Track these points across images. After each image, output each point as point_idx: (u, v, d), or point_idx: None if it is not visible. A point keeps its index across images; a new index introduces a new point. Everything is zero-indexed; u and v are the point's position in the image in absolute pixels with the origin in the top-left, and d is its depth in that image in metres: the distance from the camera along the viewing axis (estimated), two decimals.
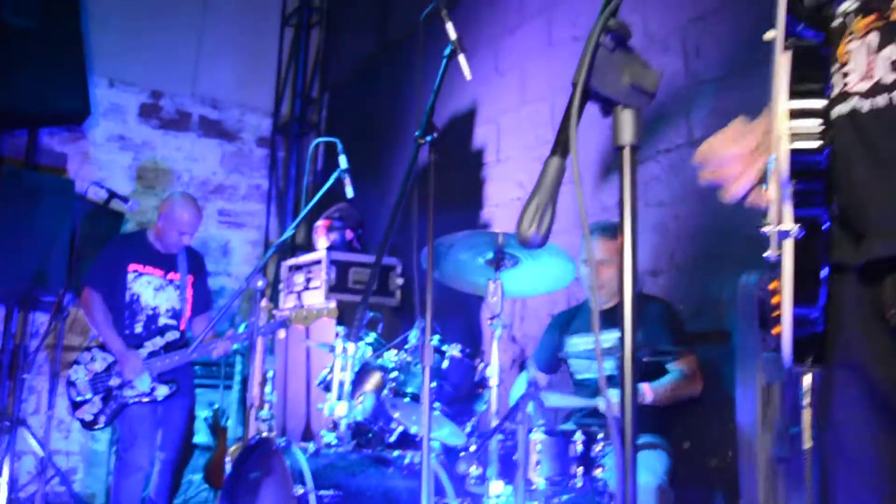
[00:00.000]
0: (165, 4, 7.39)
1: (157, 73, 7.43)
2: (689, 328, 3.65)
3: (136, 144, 7.35)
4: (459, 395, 3.24)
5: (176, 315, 5.13)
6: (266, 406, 4.13)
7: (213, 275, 7.04)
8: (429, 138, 2.77)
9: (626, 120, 1.01)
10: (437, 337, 3.36)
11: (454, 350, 3.27)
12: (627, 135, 1.01)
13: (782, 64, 1.20)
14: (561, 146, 0.99)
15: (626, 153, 1.01)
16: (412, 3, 6.37)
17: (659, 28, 4.12)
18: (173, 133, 7.50)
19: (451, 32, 3.06)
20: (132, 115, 7.38)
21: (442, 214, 5.13)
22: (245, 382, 5.92)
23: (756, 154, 1.38)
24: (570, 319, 3.95)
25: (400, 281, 5.51)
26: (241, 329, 4.76)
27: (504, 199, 5.12)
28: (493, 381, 3.02)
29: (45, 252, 6.01)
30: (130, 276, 5.07)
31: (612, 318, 3.30)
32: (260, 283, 4.09)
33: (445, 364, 3.24)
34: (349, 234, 5.64)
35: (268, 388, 4.15)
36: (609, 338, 3.30)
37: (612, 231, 3.62)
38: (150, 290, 5.10)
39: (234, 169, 7.75)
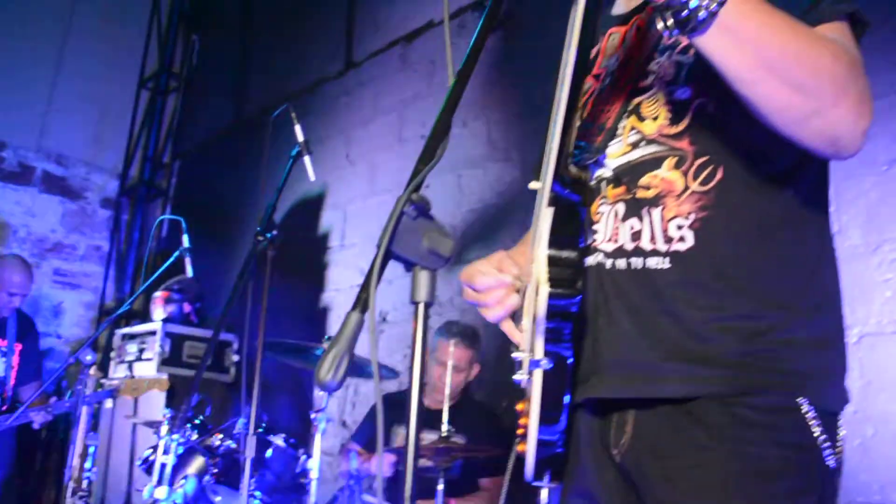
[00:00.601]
0: (18, 51, 7.23)
1: (1, 122, 7.22)
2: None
3: None
4: (281, 484, 3.27)
5: (1, 383, 4.95)
6: (84, 482, 4.02)
7: (42, 336, 6.78)
8: (268, 235, 2.84)
9: (423, 280, 1.14)
10: (262, 426, 3.39)
11: (278, 440, 3.31)
12: (423, 293, 1.14)
13: (545, 216, 1.39)
14: (361, 303, 1.10)
15: (421, 308, 1.15)
16: (270, 81, 6.51)
17: (500, 138, 4.37)
18: (13, 186, 7.27)
19: (299, 134, 3.19)
20: None
21: (284, 294, 5.18)
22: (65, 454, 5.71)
23: (513, 285, 1.56)
24: (398, 405, 4.03)
25: (235, 357, 5.49)
26: (67, 397, 4.63)
27: (345, 284, 5.22)
28: (314, 474, 3.08)
29: None
30: None
31: (436, 419, 3.45)
32: (89, 358, 4.02)
33: (269, 453, 3.27)
34: (187, 307, 5.59)
35: (88, 463, 4.05)
36: (430, 438, 3.43)
37: (469, 339, 3.79)
38: None
39: (75, 228, 7.56)
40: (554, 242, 1.40)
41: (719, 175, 1.46)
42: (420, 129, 4.93)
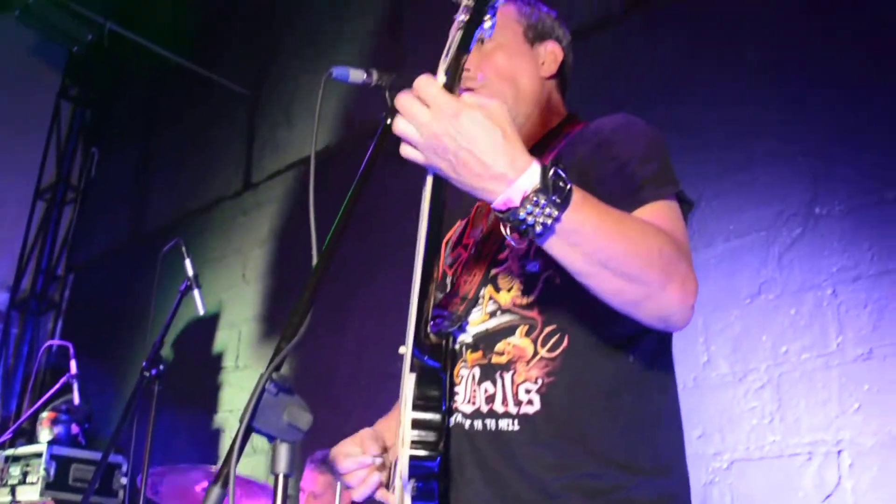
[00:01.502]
0: None
1: None
2: None
3: None
4: None
5: None
6: None
7: None
8: (154, 371, 2.87)
9: (283, 452, 1.21)
10: None
11: None
12: (282, 465, 1.22)
13: (408, 381, 1.49)
14: (222, 478, 1.16)
15: (280, 480, 1.22)
16: (168, 197, 6.54)
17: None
18: None
19: (189, 269, 3.24)
20: None
21: (176, 414, 5.13)
22: None
23: (374, 465, 1.67)
24: None
25: (124, 481, 5.35)
26: None
27: (238, 405, 5.19)
28: None
29: None
30: None
31: None
32: None
33: None
34: (75, 429, 5.45)
35: None
36: None
37: (326, 464, 3.81)
38: None
39: None
40: (418, 406, 1.49)
41: (565, 343, 1.58)
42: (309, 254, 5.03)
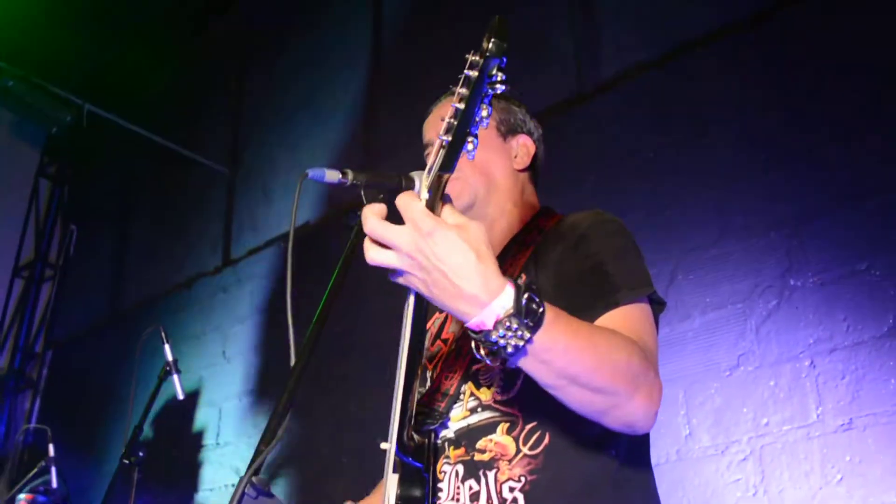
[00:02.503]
0: None
1: None
2: None
3: None
4: None
5: None
6: None
7: None
8: (135, 459, 2.84)
9: None
10: None
11: None
12: None
13: (391, 482, 1.48)
14: None
15: None
16: (147, 274, 6.53)
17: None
18: None
19: (168, 354, 3.23)
20: None
21: (156, 493, 5.05)
22: None
23: None
24: None
25: None
26: None
27: (219, 483, 5.13)
28: None
29: None
30: None
31: None
32: None
33: None
34: None
35: None
36: None
37: None
38: None
39: None
40: None
41: (546, 440, 1.60)
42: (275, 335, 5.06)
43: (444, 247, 1.25)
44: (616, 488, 1.61)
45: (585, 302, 1.47)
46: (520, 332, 1.27)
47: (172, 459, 5.39)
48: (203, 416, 5.49)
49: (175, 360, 3.26)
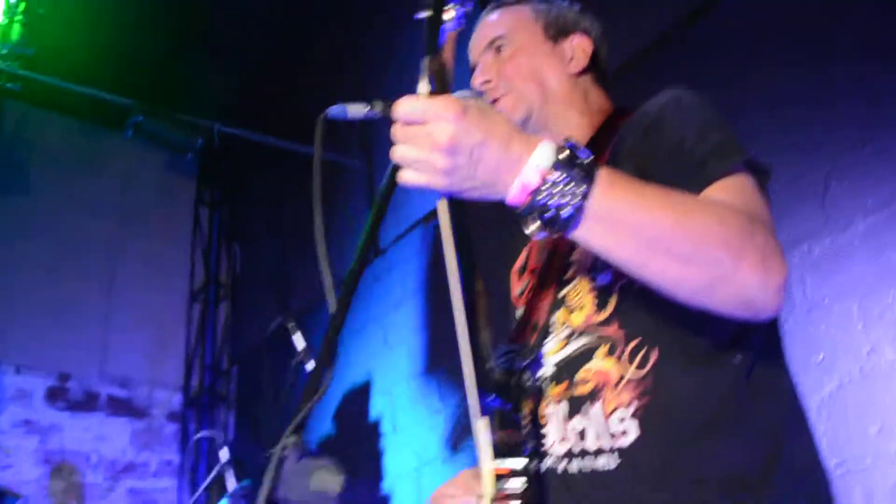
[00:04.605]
0: (72, 287, 7.60)
1: (64, 355, 7.51)
2: None
3: (42, 427, 7.30)
4: None
5: None
6: None
7: None
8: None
9: None
10: None
11: None
12: None
13: (480, 430, 1.32)
14: None
15: None
16: (309, 278, 6.71)
17: None
18: (81, 414, 7.49)
19: (299, 343, 3.25)
20: (38, 399, 7.37)
21: (347, 487, 5.16)
22: None
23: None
24: None
25: None
26: None
27: (404, 469, 5.21)
28: None
29: None
30: None
31: None
32: None
33: None
34: None
35: None
36: None
37: None
38: None
39: (145, 446, 7.71)
40: (498, 455, 1.37)
41: (654, 356, 1.42)
42: (442, 309, 5.04)
43: (445, 131, 1.17)
44: (747, 400, 1.40)
45: (671, 186, 1.27)
46: (572, 186, 1.14)
47: (355, 452, 5.53)
48: (377, 405, 5.59)
49: (306, 349, 3.29)
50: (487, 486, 1.32)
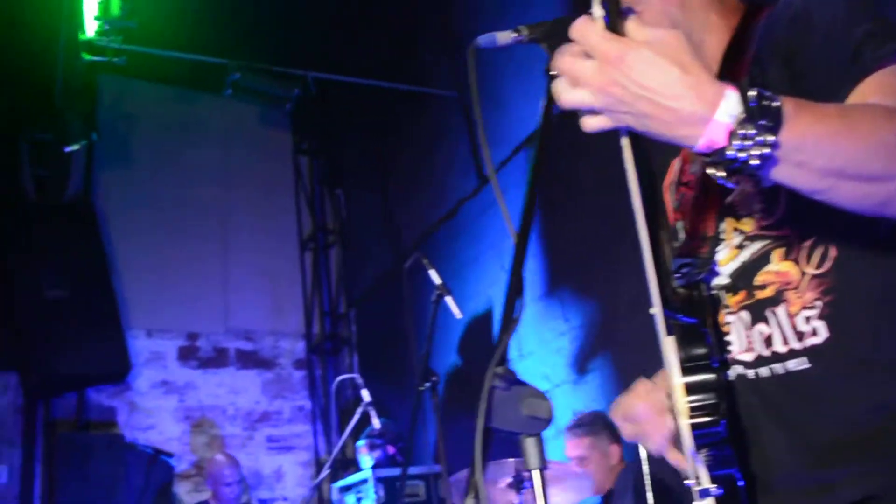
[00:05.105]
0: (190, 251, 7.84)
1: (190, 316, 7.78)
2: None
3: (178, 387, 7.61)
4: None
5: None
6: None
7: (269, 501, 7.15)
8: (427, 384, 2.93)
9: (531, 447, 1.17)
10: None
11: None
12: (534, 460, 1.17)
13: (669, 345, 1.29)
14: (472, 489, 1.13)
15: (537, 476, 1.17)
16: (416, 215, 6.74)
17: None
18: (213, 370, 7.77)
19: (436, 278, 3.28)
20: (172, 360, 7.67)
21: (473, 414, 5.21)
22: None
23: (665, 413, 1.49)
24: None
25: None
26: None
27: None
28: None
29: None
30: None
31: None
32: None
33: None
34: (391, 449, 5.75)
35: None
36: None
37: (583, 427, 3.75)
38: None
39: (276, 395, 7.97)
40: (686, 369, 1.35)
41: (833, 252, 1.39)
42: (560, 230, 5.00)
43: (639, 69, 1.09)
44: None
45: (825, 83, 1.22)
46: (760, 138, 1.10)
47: (482, 380, 5.57)
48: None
49: (443, 283, 3.32)
50: (680, 402, 1.30)
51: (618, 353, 4.56)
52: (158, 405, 7.50)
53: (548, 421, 1.17)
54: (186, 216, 7.95)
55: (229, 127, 8.35)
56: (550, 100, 1.24)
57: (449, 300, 3.26)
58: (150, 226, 7.65)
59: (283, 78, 6.87)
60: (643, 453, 3.27)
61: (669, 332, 1.30)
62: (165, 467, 6.79)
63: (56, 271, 6.44)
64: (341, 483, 5.95)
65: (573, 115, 1.19)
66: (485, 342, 5.71)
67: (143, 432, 7.16)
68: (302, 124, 8.63)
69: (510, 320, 1.21)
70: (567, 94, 1.16)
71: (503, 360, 1.18)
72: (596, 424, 3.95)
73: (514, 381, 1.17)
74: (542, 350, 5.20)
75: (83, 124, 6.60)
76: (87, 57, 5.80)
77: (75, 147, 6.66)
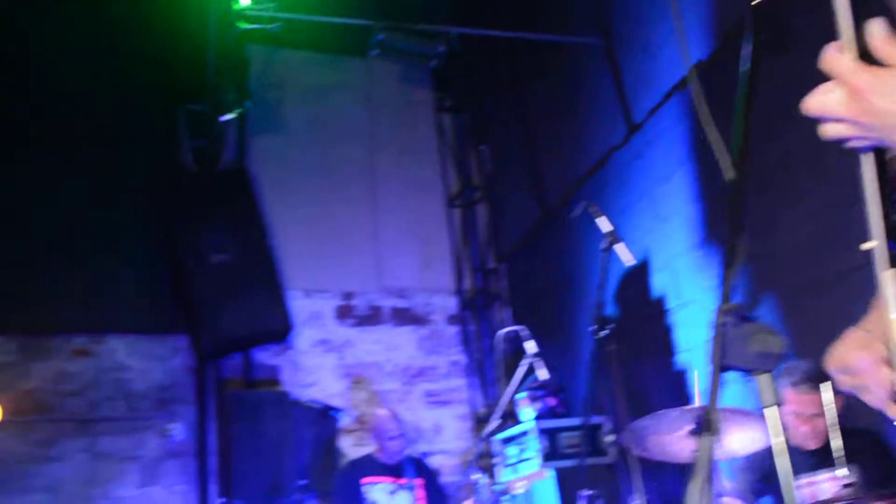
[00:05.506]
0: (341, 212, 8.05)
1: (345, 275, 8.00)
2: None
3: (337, 345, 7.85)
4: None
5: None
6: None
7: (430, 454, 7.32)
8: (603, 333, 2.92)
9: (765, 383, 1.16)
10: None
11: None
12: (769, 397, 1.15)
13: (887, 280, 1.22)
14: (709, 426, 1.13)
15: (771, 413, 1.16)
16: (563, 167, 6.69)
17: None
18: (369, 328, 7.98)
19: (605, 225, 3.25)
20: (330, 319, 7.91)
21: (638, 366, 5.20)
22: None
23: (883, 364, 1.38)
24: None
25: (612, 437, 5.53)
26: None
27: (695, 343, 5.15)
28: None
29: (274, 461, 6.49)
30: (365, 489, 5.77)
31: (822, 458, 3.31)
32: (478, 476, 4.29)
33: None
34: (552, 401, 5.77)
35: None
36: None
37: (815, 380, 3.58)
38: (385, 496, 5.78)
39: (432, 350, 8.12)
40: None
41: None
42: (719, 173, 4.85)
43: (887, 101, 1.05)
44: None
45: None
46: None
47: (642, 331, 5.51)
48: (659, 282, 5.54)
49: (613, 230, 3.29)
50: None
51: (785, 298, 4.42)
52: (319, 363, 7.76)
53: (780, 357, 1.14)
54: (336, 178, 8.16)
55: (372, 89, 8.51)
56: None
57: (619, 247, 3.23)
58: (301, 190, 7.90)
59: (426, 36, 6.92)
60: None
61: (891, 266, 1.22)
62: (332, 422, 7.04)
63: (218, 237, 6.69)
64: (503, 435, 6.03)
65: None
66: (642, 293, 5.64)
67: (305, 389, 7.41)
68: (443, 81, 8.68)
69: (735, 256, 1.18)
70: (823, 128, 1.14)
71: (727, 299, 1.16)
72: (819, 377, 3.79)
73: (744, 317, 1.15)
74: (703, 298, 5.10)
75: (237, 93, 6.82)
76: (242, 25, 5.99)
77: (231, 116, 6.91)
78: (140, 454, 7.04)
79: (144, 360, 7.32)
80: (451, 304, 8.32)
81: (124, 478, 6.95)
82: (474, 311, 8.24)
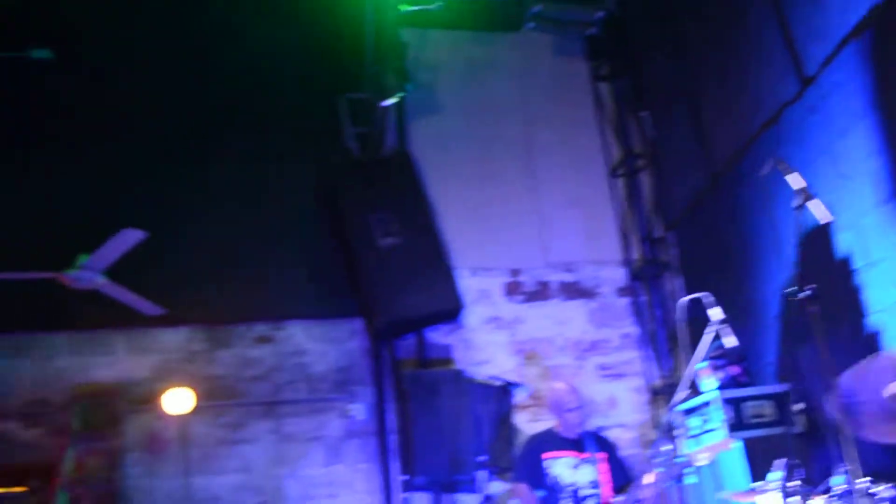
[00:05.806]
0: (503, 189, 8.09)
1: (510, 252, 8.02)
2: None
3: (507, 322, 7.89)
4: None
5: (595, 486, 5.79)
6: None
7: (607, 428, 7.27)
8: (802, 294, 2.80)
9: None
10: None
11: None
12: None
13: None
14: None
15: None
16: (730, 127, 6.45)
17: None
18: (538, 303, 7.97)
19: (797, 182, 3.11)
20: (498, 296, 7.96)
21: (824, 332, 4.97)
22: None
23: None
24: None
25: (800, 406, 5.33)
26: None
27: (888, 303, 4.87)
28: None
29: (452, 439, 6.60)
30: (547, 463, 5.88)
31: None
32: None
33: None
34: (734, 370, 5.61)
35: None
36: None
37: None
38: (568, 470, 5.86)
39: (602, 323, 8.03)
40: None
41: None
42: None
43: None
44: None
45: None
46: None
47: (827, 294, 5.25)
48: (844, 241, 5.25)
49: (806, 187, 3.14)
50: None
51: None
52: (490, 340, 7.82)
53: None
54: (495, 156, 8.20)
55: (525, 63, 8.51)
56: None
57: (814, 204, 3.08)
58: (462, 169, 7.98)
59: (584, 2, 6.82)
60: None
61: None
62: (508, 398, 7.09)
63: (386, 220, 6.84)
64: (685, 406, 5.90)
65: None
66: (825, 255, 5.37)
67: (478, 367, 7.49)
68: (598, 50, 8.53)
69: None
70: None
71: None
72: None
73: None
74: (893, 256, 4.82)
75: (397, 78, 6.94)
76: (404, 8, 6.08)
77: (393, 101, 7.04)
78: (323, 434, 7.32)
79: (322, 344, 7.59)
80: (619, 275, 8.20)
81: (310, 457, 7.24)
82: (644, 281, 8.09)
